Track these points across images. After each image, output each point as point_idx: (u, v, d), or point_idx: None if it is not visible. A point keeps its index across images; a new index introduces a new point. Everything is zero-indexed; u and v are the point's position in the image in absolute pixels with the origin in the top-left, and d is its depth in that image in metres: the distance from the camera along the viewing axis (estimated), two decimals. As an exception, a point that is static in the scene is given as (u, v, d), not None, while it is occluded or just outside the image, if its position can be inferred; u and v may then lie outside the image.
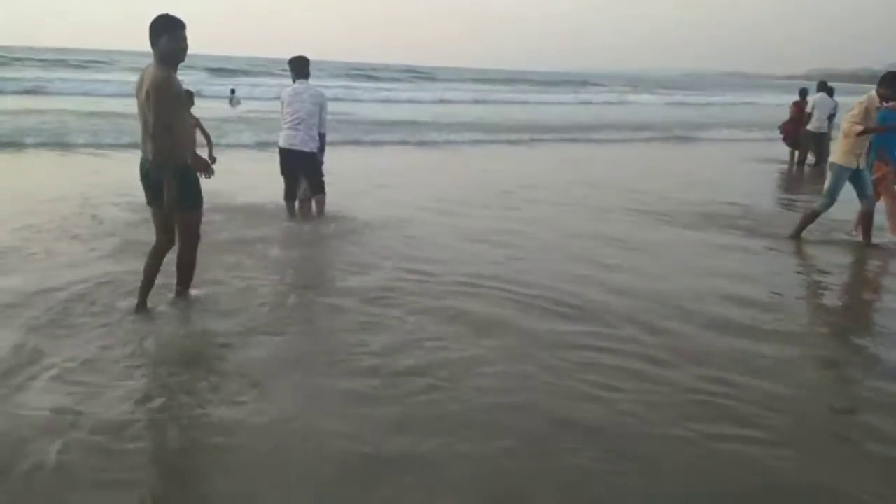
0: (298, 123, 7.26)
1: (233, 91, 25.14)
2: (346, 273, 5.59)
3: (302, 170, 7.44)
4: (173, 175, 4.29)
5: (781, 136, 15.44)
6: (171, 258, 4.68)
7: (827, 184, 7.26)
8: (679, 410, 3.47)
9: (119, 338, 4.13)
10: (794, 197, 11.04)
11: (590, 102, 37.17)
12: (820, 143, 14.32)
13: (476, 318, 4.62)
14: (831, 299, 5.87)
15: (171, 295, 4.73)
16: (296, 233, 6.98)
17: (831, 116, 14.48)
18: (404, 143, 15.84)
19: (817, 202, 7.42)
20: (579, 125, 21.05)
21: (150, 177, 4.40)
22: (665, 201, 9.36)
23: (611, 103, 37.44)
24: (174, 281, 4.75)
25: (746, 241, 7.34)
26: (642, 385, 3.74)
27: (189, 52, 4.34)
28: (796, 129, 14.90)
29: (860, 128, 7.02)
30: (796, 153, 14.99)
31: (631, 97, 43.46)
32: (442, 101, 30.86)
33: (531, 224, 7.66)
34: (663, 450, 3.12)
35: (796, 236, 7.42)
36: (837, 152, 7.23)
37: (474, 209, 8.29)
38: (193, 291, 4.78)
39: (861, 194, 7.25)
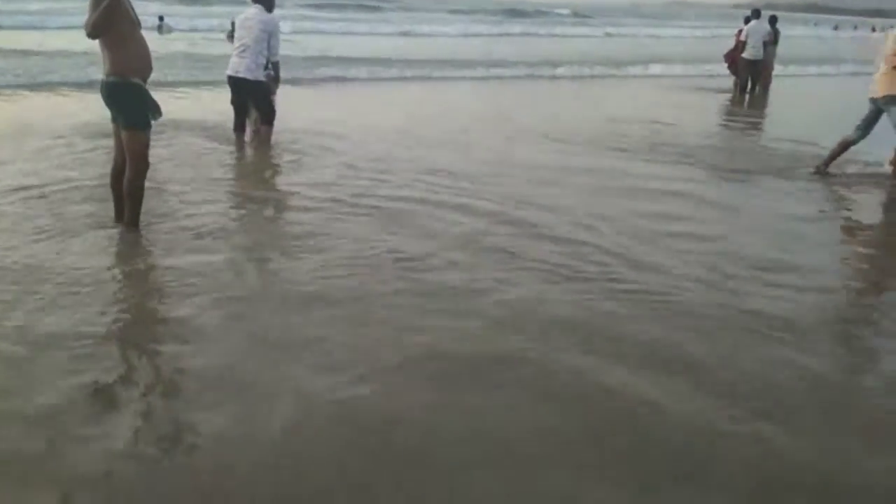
0: (244, 50, 7.25)
1: (161, 18, 23.65)
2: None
3: (250, 98, 7.48)
4: (123, 88, 4.44)
5: (726, 64, 15.92)
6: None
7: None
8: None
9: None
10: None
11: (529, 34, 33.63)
12: (755, 70, 14.92)
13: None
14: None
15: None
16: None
17: (766, 43, 14.96)
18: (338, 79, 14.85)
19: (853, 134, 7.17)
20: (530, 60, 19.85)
21: (102, 92, 4.54)
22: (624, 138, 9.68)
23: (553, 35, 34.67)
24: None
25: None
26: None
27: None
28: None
29: None
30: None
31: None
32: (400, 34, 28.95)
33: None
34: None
35: (824, 169, 7.27)
36: (890, 84, 6.84)
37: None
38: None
39: (865, 128, 7.12)
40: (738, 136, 10.26)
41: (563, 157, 7.86)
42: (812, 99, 15.56)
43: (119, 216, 4.83)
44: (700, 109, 12.92)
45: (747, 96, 14.85)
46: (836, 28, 69.31)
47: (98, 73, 4.76)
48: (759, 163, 7.93)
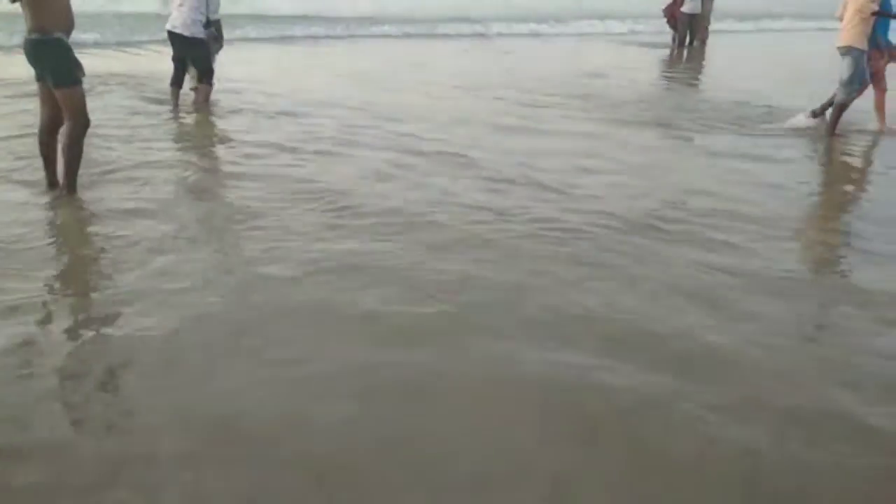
0: (181, 5, 7.12)
1: None
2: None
3: (187, 55, 7.35)
4: (48, 45, 4.36)
5: (665, 18, 16.08)
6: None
7: (847, 71, 7.03)
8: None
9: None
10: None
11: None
12: (693, 24, 15.14)
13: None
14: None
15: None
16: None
17: (704, -1, 15.17)
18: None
19: (841, 93, 7.16)
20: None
21: (28, 51, 4.44)
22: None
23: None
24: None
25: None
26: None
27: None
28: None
29: (875, 7, 6.90)
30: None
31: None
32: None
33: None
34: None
35: (832, 133, 7.22)
36: (850, 35, 6.98)
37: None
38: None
39: (850, 82, 7.12)
40: (677, 91, 10.45)
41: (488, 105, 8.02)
42: (750, 53, 15.86)
43: (53, 181, 4.73)
44: (636, 65, 13.05)
45: (685, 51, 15.06)
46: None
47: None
48: (693, 115, 8.15)
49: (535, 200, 4.89)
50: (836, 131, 7.30)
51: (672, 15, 15.74)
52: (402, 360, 2.92)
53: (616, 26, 19.43)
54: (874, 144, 7.33)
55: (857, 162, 6.88)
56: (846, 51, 7.11)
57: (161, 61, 8.17)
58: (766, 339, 3.16)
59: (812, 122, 7.63)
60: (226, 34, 7.95)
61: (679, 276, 3.77)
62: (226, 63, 8.18)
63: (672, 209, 4.81)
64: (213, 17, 7.26)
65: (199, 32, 7.20)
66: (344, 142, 6.24)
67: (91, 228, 4.32)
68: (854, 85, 7.16)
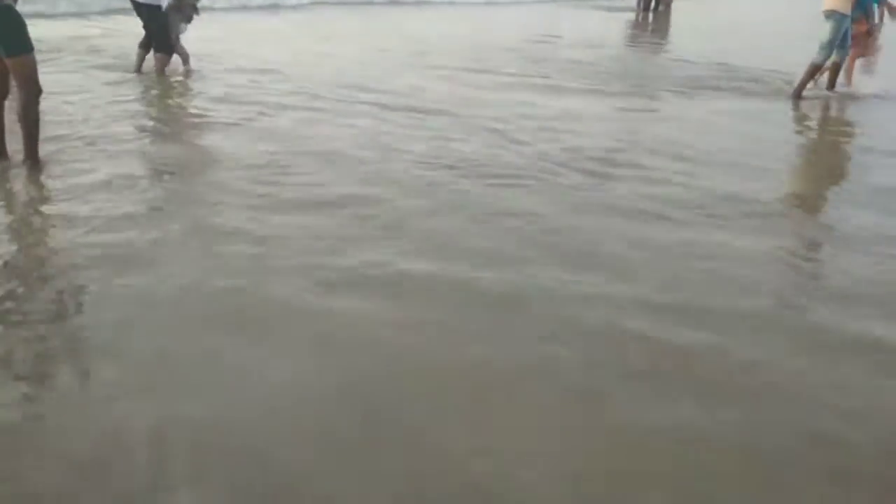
0: None
1: None
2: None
3: (144, 21, 7.23)
4: (1, 14, 4.16)
5: None
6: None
7: (827, 35, 7.04)
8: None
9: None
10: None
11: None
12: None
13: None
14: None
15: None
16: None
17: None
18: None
19: (817, 55, 7.16)
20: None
21: None
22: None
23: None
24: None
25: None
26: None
27: None
28: None
29: None
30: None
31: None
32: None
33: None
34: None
35: (798, 95, 7.27)
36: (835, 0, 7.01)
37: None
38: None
39: (841, 45, 7.20)
40: (643, 55, 10.39)
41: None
42: (715, 17, 15.82)
43: (2, 152, 4.55)
44: (601, 29, 12.96)
45: (650, 14, 14.99)
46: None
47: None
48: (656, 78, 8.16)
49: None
50: (804, 95, 7.32)
51: None
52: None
53: None
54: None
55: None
56: (829, 14, 7.09)
57: (114, 31, 8.18)
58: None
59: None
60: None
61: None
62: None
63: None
64: None
65: (156, 0, 7.06)
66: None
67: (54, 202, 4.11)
68: (830, 49, 7.14)
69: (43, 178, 4.41)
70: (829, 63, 7.35)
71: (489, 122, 5.84)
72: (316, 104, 6.34)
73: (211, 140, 5.42)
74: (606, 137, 5.64)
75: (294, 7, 13.45)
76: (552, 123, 5.95)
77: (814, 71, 7.29)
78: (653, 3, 15.21)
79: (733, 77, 8.14)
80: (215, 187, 4.38)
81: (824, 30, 7.11)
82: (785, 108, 7.13)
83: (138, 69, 7.32)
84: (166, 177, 4.61)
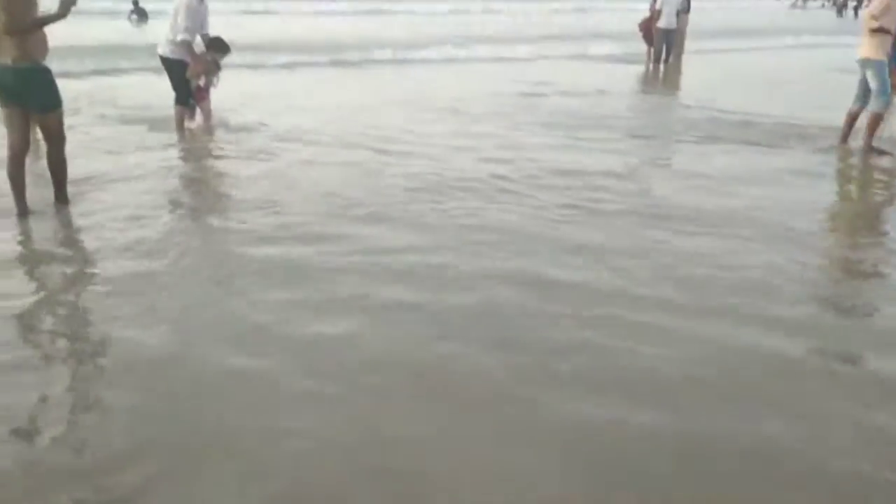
0: (168, 27, 7.30)
1: (135, 3, 20.98)
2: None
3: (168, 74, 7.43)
4: (38, 73, 4.56)
5: (641, 33, 16.17)
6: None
7: (875, 82, 6.95)
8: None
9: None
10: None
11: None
12: (669, 39, 15.23)
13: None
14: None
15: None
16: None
17: (679, 12, 15.30)
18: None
19: (874, 104, 7.04)
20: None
21: (6, 79, 4.50)
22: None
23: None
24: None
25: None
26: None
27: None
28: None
29: (876, 24, 6.84)
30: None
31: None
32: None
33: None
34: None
35: (869, 148, 7.05)
36: (867, 48, 6.96)
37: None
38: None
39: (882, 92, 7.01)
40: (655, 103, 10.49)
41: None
42: (726, 69, 15.99)
43: (23, 206, 4.76)
44: (615, 80, 13.09)
45: (662, 66, 15.13)
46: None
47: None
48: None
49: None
50: (876, 145, 7.08)
51: (648, 30, 15.87)
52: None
53: (589, 47, 18.23)
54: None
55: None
56: (864, 63, 7.06)
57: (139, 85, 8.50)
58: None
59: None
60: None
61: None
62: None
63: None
64: (179, 36, 7.14)
65: (169, 52, 7.27)
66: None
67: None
68: (886, 93, 7.01)
69: (73, 215, 4.90)
70: (853, 109, 7.28)
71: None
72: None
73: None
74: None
75: (310, 65, 13.41)
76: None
77: (877, 121, 7.12)
78: (663, 55, 15.35)
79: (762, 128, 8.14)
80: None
81: (870, 78, 7.01)
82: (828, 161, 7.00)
83: (180, 127, 7.52)
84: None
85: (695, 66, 15.42)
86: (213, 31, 7.44)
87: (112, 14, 19.94)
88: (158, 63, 7.48)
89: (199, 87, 7.43)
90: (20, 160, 4.72)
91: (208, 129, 7.54)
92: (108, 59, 11.86)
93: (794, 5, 46.88)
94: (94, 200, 5.15)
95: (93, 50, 12.00)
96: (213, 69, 7.46)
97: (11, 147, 4.70)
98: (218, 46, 7.41)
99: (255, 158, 6.50)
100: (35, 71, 4.57)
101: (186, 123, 7.53)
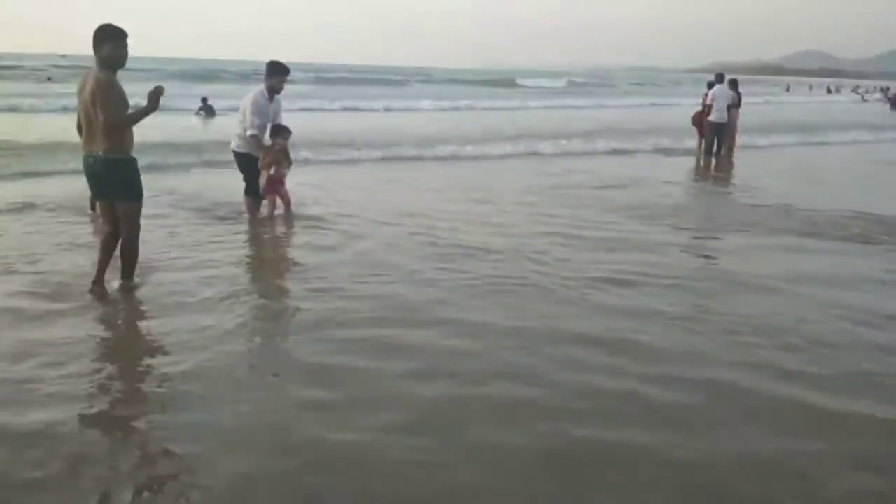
0: (237, 122, 7.74)
1: (204, 99, 21.89)
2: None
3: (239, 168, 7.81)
4: (126, 164, 4.89)
5: (696, 128, 16.40)
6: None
7: None
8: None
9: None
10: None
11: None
12: (720, 132, 15.36)
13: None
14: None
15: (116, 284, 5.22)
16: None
17: (730, 107, 15.49)
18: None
19: None
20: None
21: (98, 171, 4.88)
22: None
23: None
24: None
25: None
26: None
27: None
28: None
29: None
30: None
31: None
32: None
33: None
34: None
35: None
36: None
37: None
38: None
39: None
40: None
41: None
42: (775, 162, 15.97)
43: (100, 279, 5.13)
44: (666, 172, 13.17)
45: (713, 159, 15.19)
46: (787, 89, 72.54)
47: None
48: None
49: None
50: None
51: (700, 123, 16.09)
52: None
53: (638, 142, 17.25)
54: None
55: None
56: None
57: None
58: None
59: None
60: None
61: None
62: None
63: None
64: (248, 131, 7.48)
65: (238, 147, 7.68)
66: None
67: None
68: None
69: (139, 295, 5.18)
70: None
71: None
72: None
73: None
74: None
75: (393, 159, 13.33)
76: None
77: None
78: (714, 148, 15.44)
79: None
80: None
81: None
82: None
83: (250, 215, 7.75)
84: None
85: (746, 160, 15.41)
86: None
87: (180, 111, 20.76)
88: (228, 156, 7.78)
89: (271, 178, 7.54)
90: (108, 246, 5.13)
91: (288, 217, 7.68)
92: (176, 154, 12.22)
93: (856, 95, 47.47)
94: (157, 283, 5.39)
95: (161, 145, 12.44)
96: (282, 159, 7.61)
97: (106, 232, 5.16)
98: (278, 132, 7.55)
99: (323, 247, 6.67)
100: (125, 161, 4.92)
101: (261, 211, 7.73)
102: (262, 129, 7.50)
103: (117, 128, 4.76)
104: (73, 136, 5.39)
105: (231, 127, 7.95)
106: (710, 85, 16.33)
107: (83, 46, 5.17)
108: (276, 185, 7.64)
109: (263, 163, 7.50)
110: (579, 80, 71.07)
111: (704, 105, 16.02)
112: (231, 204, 8.13)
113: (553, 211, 8.61)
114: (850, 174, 13.47)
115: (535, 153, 15.09)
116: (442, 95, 34.90)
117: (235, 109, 8.14)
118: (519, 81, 60.96)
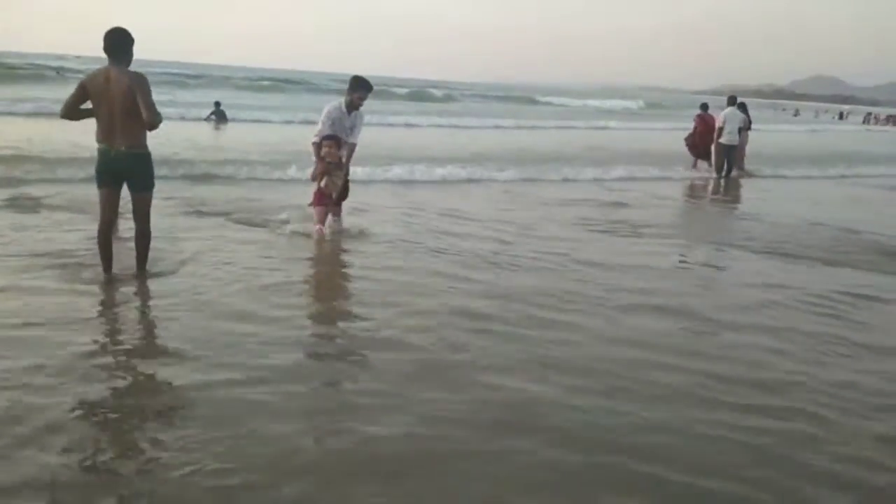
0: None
1: (217, 104, 21.47)
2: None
3: None
4: (147, 158, 5.32)
5: (687, 146, 16.85)
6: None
7: None
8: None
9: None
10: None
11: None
12: (731, 154, 15.56)
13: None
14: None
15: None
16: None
17: (741, 129, 15.70)
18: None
19: None
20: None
21: (119, 163, 5.20)
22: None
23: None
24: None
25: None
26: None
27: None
28: (702, 141, 16.40)
29: None
30: (699, 162, 16.51)
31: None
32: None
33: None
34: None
35: None
36: None
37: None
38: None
39: None
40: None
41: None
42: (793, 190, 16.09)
43: (109, 267, 5.48)
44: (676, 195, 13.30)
45: (723, 180, 15.33)
46: (796, 114, 72.92)
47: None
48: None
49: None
50: None
51: (693, 144, 16.58)
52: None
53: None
54: None
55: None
56: None
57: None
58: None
59: None
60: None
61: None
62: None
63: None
64: (344, 136, 7.28)
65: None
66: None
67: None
68: None
69: (149, 283, 5.48)
70: None
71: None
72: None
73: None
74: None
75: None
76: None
77: None
78: (725, 170, 15.59)
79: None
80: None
81: None
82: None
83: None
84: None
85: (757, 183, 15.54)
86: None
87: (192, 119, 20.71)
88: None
89: (320, 191, 7.29)
90: (107, 233, 5.43)
91: (337, 230, 7.43)
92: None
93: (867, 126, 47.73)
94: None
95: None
96: (333, 170, 7.26)
97: (104, 222, 5.39)
98: (326, 140, 7.24)
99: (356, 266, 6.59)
100: (146, 156, 5.31)
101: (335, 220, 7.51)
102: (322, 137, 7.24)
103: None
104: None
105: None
106: (704, 107, 16.96)
107: (91, 48, 5.43)
108: (325, 198, 7.33)
109: (315, 171, 7.29)
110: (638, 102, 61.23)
111: (702, 126, 16.41)
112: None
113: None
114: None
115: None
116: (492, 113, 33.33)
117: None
118: (540, 98, 57.73)
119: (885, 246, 8.72)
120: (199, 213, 8.15)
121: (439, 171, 12.88)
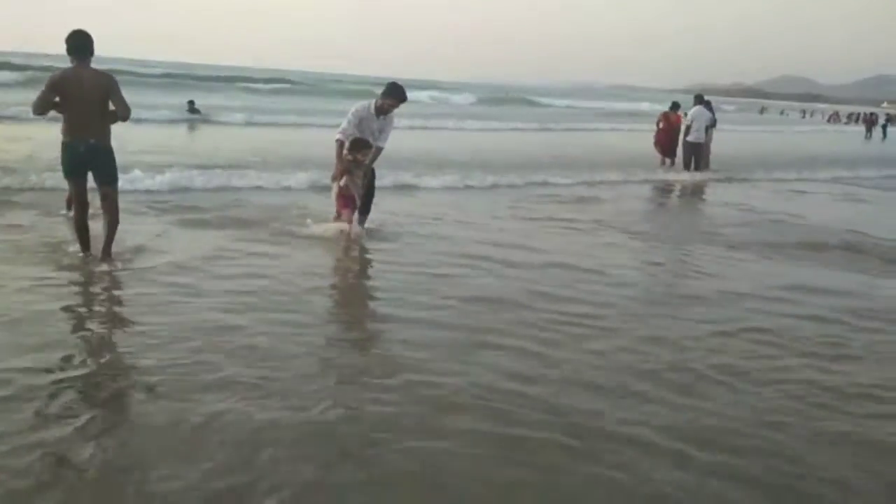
0: None
1: (191, 103, 21.60)
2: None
3: None
4: (111, 153, 5.78)
5: (655, 144, 17.19)
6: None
7: None
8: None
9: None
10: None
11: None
12: (698, 152, 15.99)
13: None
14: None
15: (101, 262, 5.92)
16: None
17: (708, 128, 16.17)
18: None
19: None
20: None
21: (89, 155, 5.65)
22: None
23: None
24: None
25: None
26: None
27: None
28: (668, 139, 16.82)
29: None
30: (666, 160, 16.77)
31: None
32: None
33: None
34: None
35: None
36: None
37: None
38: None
39: None
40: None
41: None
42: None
43: (87, 246, 6.00)
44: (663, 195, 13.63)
45: (688, 176, 15.73)
46: (761, 111, 74.06)
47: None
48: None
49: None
50: None
51: (658, 140, 17.00)
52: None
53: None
54: None
55: None
56: None
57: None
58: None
59: None
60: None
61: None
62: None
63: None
64: (371, 138, 7.18)
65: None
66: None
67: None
68: None
69: (117, 264, 5.91)
70: None
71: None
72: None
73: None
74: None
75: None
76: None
77: None
78: (692, 166, 15.99)
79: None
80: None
81: None
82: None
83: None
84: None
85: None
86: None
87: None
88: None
89: (340, 191, 7.17)
90: (83, 219, 5.92)
91: (356, 234, 7.22)
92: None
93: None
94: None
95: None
96: (353, 170, 7.12)
97: (78, 211, 5.91)
98: (356, 146, 7.10)
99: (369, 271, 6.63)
100: (111, 150, 5.80)
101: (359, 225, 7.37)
102: (346, 135, 7.15)
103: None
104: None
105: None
106: (674, 105, 17.28)
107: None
108: (346, 199, 7.18)
109: (335, 172, 7.15)
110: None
111: (666, 123, 16.90)
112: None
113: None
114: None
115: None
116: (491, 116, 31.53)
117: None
118: (536, 99, 55.66)
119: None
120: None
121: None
